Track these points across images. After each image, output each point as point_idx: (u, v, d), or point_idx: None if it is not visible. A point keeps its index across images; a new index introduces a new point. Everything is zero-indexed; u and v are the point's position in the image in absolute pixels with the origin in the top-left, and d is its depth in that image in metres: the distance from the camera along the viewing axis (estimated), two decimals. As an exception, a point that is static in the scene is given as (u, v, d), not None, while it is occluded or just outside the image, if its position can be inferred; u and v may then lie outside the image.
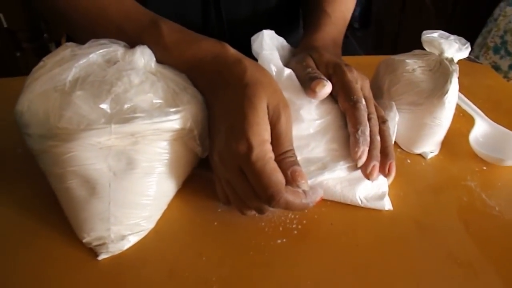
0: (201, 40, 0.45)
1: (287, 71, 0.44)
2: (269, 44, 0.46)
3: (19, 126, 0.45)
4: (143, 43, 0.46)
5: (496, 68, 1.25)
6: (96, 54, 0.45)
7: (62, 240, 0.42)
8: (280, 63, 0.45)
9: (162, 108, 0.41)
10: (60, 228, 0.43)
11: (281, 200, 0.37)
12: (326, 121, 0.43)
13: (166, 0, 0.64)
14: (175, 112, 0.41)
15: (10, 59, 1.08)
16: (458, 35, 0.51)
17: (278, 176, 0.37)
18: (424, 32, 0.51)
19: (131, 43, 0.46)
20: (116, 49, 0.46)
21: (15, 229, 0.43)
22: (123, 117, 0.40)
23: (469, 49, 0.50)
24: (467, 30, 1.16)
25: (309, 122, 0.42)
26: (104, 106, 0.40)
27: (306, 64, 0.46)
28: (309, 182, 0.41)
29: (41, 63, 0.49)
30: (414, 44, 0.56)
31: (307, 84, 0.43)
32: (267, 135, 0.38)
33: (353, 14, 0.73)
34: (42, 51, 1.00)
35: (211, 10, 0.66)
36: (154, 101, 0.41)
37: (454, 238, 0.43)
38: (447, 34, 0.51)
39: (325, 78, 0.43)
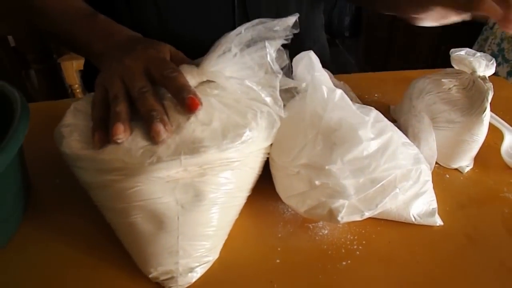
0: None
1: (339, 91, 0.45)
2: (317, 65, 0.47)
3: (67, 159, 0.44)
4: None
5: (494, 75, 1.30)
6: None
7: (125, 275, 0.42)
8: (332, 85, 0.46)
9: (227, 133, 0.41)
10: (121, 263, 0.43)
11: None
12: (383, 140, 0.44)
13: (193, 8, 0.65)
14: (244, 137, 0.41)
15: (18, 79, 1.06)
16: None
17: None
18: (452, 50, 0.53)
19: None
20: None
21: (72, 265, 0.43)
22: (191, 147, 0.40)
23: (495, 65, 0.53)
24: (461, 38, 1.21)
25: (367, 142, 0.43)
26: (169, 138, 0.40)
27: None
28: (376, 212, 0.43)
29: (87, 96, 0.49)
30: (405, 52, 0.58)
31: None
32: None
33: (343, 23, 0.76)
34: (51, 72, 0.98)
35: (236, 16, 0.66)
36: (217, 127, 0.42)
37: (503, 247, 0.45)
38: (473, 51, 0.54)
39: None
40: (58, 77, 1.06)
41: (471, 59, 0.52)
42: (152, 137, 0.39)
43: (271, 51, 0.44)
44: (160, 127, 0.39)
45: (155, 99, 0.42)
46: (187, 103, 0.41)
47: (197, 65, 0.45)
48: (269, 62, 0.44)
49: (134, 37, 0.53)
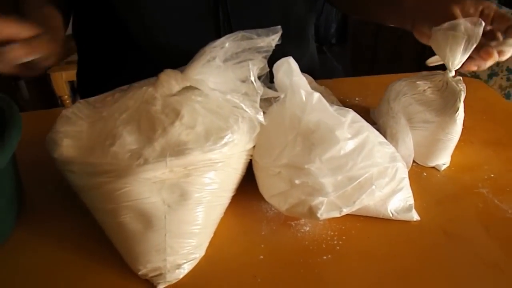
0: None
1: (316, 94, 0.48)
2: (296, 70, 0.49)
3: (59, 163, 0.46)
4: None
5: (476, 77, 1.33)
6: (133, 99, 0.47)
7: (115, 273, 0.44)
8: (309, 88, 0.48)
9: (210, 136, 0.43)
10: (111, 262, 0.45)
11: None
12: (359, 140, 0.47)
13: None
14: (226, 139, 0.43)
15: (8, 90, 1.08)
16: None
17: None
18: (434, 29, 0.53)
19: None
20: (145, 88, 0.48)
21: (65, 266, 0.45)
22: (176, 149, 0.42)
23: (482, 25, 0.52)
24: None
25: (344, 142, 0.46)
26: (155, 140, 0.43)
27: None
28: (354, 209, 0.45)
29: (77, 104, 0.51)
30: (392, 57, 0.60)
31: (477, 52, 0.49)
32: None
33: (329, 30, 0.78)
34: (41, 83, 1.00)
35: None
36: (200, 130, 0.44)
37: (478, 241, 0.47)
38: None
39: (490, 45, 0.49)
40: (48, 87, 1.07)
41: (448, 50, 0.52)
42: None
43: (254, 70, 0.46)
44: None
45: None
46: None
47: (181, 71, 0.47)
48: (251, 81, 0.46)
49: None
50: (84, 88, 0.81)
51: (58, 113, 0.50)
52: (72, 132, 0.47)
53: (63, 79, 1.53)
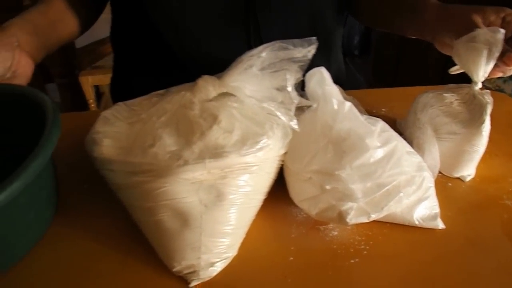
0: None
1: (348, 104, 0.50)
2: (328, 80, 0.51)
3: (98, 163, 0.49)
4: None
5: (500, 91, 1.34)
6: (171, 103, 0.50)
7: (150, 269, 0.46)
8: (341, 97, 0.50)
9: (246, 141, 0.45)
10: (146, 258, 0.47)
11: None
12: (388, 148, 0.48)
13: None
14: (262, 144, 0.45)
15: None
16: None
17: None
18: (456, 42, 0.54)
19: None
20: (184, 93, 0.51)
21: (101, 260, 0.47)
22: (214, 152, 0.44)
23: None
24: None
25: (373, 150, 0.47)
26: (193, 143, 0.45)
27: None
28: (382, 215, 0.47)
29: (116, 106, 0.54)
30: (415, 71, 0.62)
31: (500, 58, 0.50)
32: None
33: (352, 42, 0.81)
34: (73, 86, 1.04)
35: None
36: (237, 134, 0.46)
37: (502, 251, 0.48)
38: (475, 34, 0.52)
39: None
40: (79, 91, 1.11)
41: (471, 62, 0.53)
42: None
43: (291, 80, 0.48)
44: None
45: None
46: None
47: (218, 77, 0.49)
48: (288, 92, 0.48)
49: None
50: (118, 92, 0.84)
51: (91, 115, 0.53)
52: (112, 133, 0.50)
53: (89, 83, 1.58)
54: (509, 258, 0.47)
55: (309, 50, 0.47)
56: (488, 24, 0.54)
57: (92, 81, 1.61)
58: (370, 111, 0.72)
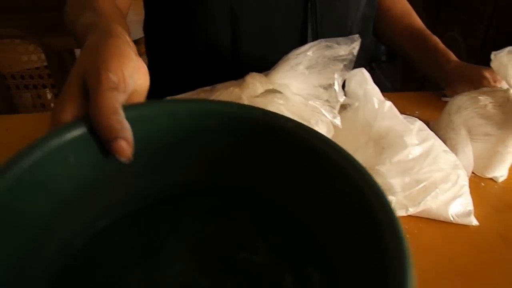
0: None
1: (388, 103, 0.52)
2: (369, 80, 0.54)
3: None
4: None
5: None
6: (219, 98, 0.53)
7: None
8: (382, 97, 0.53)
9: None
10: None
11: None
12: (426, 146, 0.51)
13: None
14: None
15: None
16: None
17: None
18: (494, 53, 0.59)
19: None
20: (232, 88, 0.54)
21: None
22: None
23: None
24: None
25: (411, 147, 0.50)
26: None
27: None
28: (419, 209, 0.49)
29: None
30: None
31: None
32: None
33: (379, 47, 0.85)
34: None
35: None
36: None
37: (535, 250, 0.51)
38: None
39: None
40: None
41: (510, 71, 0.57)
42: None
43: (338, 80, 0.51)
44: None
45: None
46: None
47: (265, 75, 0.53)
48: (335, 90, 0.51)
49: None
50: (153, 88, 0.86)
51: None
52: None
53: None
54: (540, 256, 0.50)
55: (353, 47, 0.50)
56: (494, 79, 0.69)
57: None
58: (403, 113, 0.74)
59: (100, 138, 0.31)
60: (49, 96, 1.44)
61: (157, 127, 0.34)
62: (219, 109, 0.36)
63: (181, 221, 0.38)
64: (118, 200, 0.36)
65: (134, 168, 0.32)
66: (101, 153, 0.31)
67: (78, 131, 0.30)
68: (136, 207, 0.37)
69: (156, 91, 0.79)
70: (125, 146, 0.30)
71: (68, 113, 0.31)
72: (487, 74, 0.70)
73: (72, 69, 0.34)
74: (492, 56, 0.59)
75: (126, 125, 0.31)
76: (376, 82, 0.87)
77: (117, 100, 0.31)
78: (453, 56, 0.78)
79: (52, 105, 1.45)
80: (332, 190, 0.32)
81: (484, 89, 0.61)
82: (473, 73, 0.72)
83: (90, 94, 0.31)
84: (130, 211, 0.37)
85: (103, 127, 0.30)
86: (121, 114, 0.31)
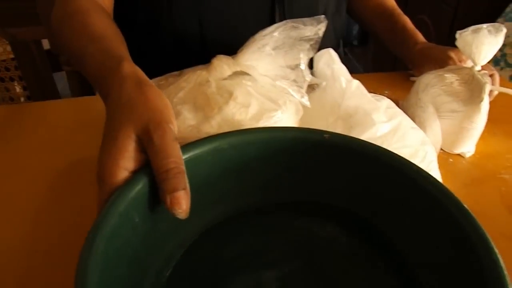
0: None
1: (355, 82, 0.53)
2: (336, 60, 0.54)
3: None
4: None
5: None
6: (187, 81, 0.52)
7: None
8: (349, 76, 0.53)
9: (262, 115, 0.48)
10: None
11: None
12: (394, 123, 0.51)
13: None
14: (276, 118, 0.48)
15: (50, 80, 1.14)
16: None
17: None
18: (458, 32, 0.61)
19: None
20: (200, 71, 0.53)
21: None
22: (231, 126, 0.47)
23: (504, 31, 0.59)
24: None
25: (379, 125, 0.50)
26: (212, 118, 0.48)
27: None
28: None
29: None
30: None
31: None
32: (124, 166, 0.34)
33: (351, 32, 0.85)
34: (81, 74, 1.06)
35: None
36: (253, 109, 0.49)
37: (500, 219, 0.52)
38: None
39: None
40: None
41: (474, 48, 0.58)
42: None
43: (304, 60, 0.51)
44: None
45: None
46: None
47: (233, 57, 0.52)
48: (301, 70, 0.51)
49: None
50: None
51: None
52: None
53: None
54: (508, 225, 0.51)
55: (319, 29, 0.49)
56: (459, 59, 0.70)
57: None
58: (373, 93, 0.74)
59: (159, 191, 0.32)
60: (17, 89, 1.41)
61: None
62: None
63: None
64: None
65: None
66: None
67: (138, 187, 0.32)
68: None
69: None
70: (184, 196, 0.32)
71: (124, 169, 0.33)
72: (452, 54, 0.71)
73: (115, 126, 0.35)
74: (457, 35, 0.60)
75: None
76: (348, 66, 0.88)
77: (179, 149, 0.34)
78: (421, 37, 0.79)
79: (22, 99, 1.42)
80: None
81: (450, 67, 0.63)
82: (439, 54, 0.73)
83: (152, 147, 0.33)
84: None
85: (169, 178, 0.32)
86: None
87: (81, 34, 0.52)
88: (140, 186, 0.33)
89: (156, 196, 0.33)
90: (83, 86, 1.08)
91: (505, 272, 0.29)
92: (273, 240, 0.42)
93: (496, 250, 0.31)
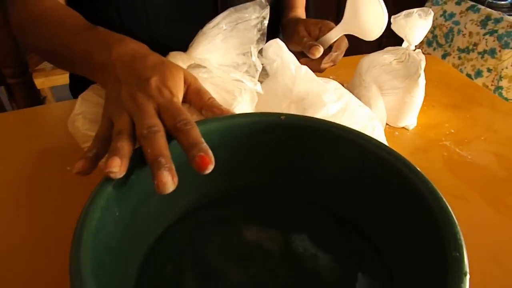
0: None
1: (304, 67, 0.56)
2: (284, 48, 0.57)
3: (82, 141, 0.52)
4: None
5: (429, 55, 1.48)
6: None
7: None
8: (298, 63, 0.57)
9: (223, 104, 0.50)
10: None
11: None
12: (342, 103, 0.55)
13: None
14: (234, 108, 0.51)
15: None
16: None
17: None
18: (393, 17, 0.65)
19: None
20: None
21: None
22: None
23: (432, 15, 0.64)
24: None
25: (330, 104, 0.54)
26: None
27: (302, 34, 0.69)
28: None
29: (92, 86, 0.57)
30: (353, 43, 0.73)
31: (308, 50, 0.65)
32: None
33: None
34: (27, 85, 1.03)
35: None
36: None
37: (446, 181, 0.57)
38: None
39: (317, 44, 0.65)
40: (33, 90, 1.09)
41: (408, 30, 0.64)
42: (156, 186, 0.33)
43: (254, 51, 0.54)
44: (168, 177, 0.33)
45: (165, 142, 0.36)
46: (197, 162, 0.34)
47: (185, 52, 0.54)
48: (253, 61, 0.54)
49: (140, 53, 0.47)
50: (76, 85, 0.85)
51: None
52: (91, 113, 0.53)
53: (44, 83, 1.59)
54: (453, 186, 0.56)
55: (264, 17, 0.52)
56: (308, 31, 0.71)
57: (48, 81, 1.62)
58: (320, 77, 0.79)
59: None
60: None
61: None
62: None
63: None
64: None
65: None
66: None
67: (116, 181, 0.34)
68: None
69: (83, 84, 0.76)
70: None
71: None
72: (300, 28, 0.72)
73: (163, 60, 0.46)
74: (392, 20, 0.65)
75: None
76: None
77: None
78: (298, 12, 0.82)
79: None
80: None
81: (388, 48, 0.67)
82: (290, 29, 0.75)
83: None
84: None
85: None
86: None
87: (63, 28, 0.56)
88: (117, 180, 0.34)
89: (133, 188, 0.36)
90: (30, 98, 1.05)
91: (454, 217, 0.34)
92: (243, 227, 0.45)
93: (444, 199, 0.36)
